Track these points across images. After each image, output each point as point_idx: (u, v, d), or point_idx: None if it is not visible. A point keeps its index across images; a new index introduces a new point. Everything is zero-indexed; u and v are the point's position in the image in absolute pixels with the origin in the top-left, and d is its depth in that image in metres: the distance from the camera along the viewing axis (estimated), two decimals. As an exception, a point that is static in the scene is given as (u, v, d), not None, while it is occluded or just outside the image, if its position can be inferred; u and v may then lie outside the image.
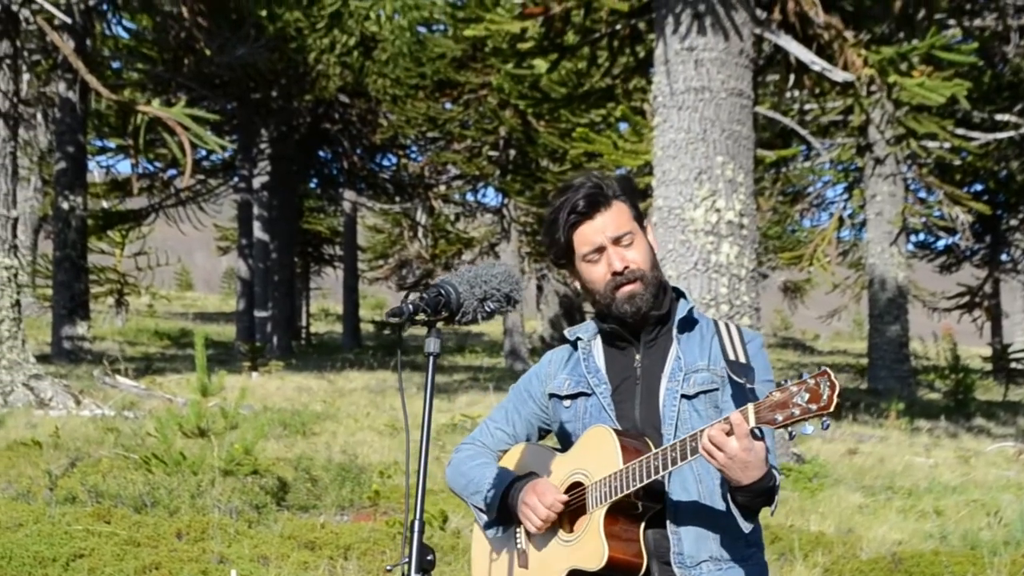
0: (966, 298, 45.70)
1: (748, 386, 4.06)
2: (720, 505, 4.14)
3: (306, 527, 10.21)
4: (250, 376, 27.65)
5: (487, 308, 3.81)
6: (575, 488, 4.20)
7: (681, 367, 4.25)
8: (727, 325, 4.35)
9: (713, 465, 3.85)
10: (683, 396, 4.22)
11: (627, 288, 4.21)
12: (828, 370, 3.74)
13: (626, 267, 4.20)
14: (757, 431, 3.83)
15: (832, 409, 3.70)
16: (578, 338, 4.46)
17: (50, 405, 19.20)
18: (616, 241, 4.22)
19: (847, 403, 25.36)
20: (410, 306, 3.69)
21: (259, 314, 41.53)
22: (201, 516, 10.24)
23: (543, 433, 4.62)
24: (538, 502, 4.13)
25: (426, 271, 49.72)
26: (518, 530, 4.33)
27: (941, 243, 44.69)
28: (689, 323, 4.36)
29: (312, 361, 35.55)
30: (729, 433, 3.80)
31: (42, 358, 26.07)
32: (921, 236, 43.79)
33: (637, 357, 4.32)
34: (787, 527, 11.48)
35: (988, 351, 46.85)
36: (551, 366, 4.53)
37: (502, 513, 4.31)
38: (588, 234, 4.23)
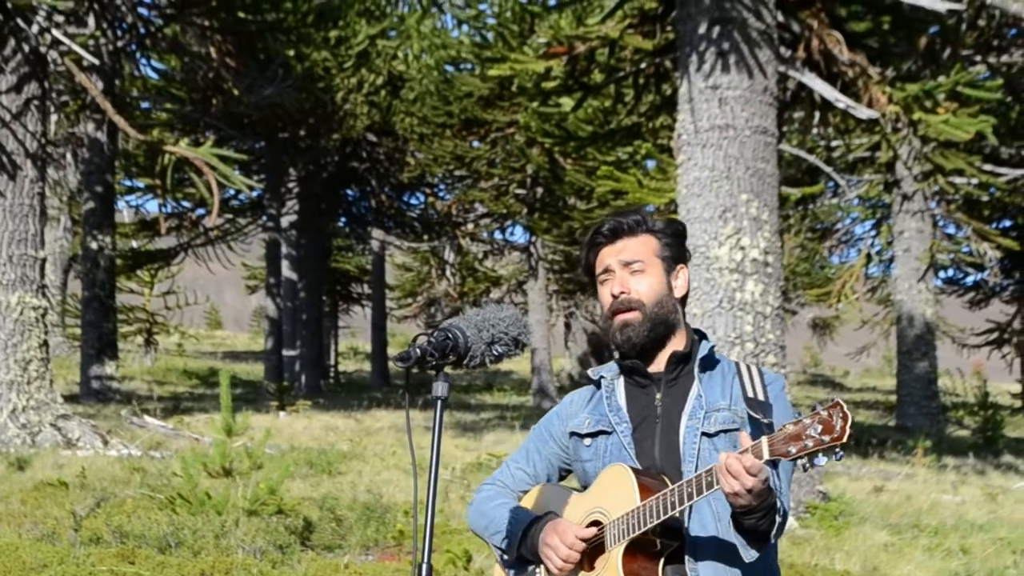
0: (995, 334, 45.52)
1: (765, 421, 4.09)
2: (734, 539, 4.15)
3: (330, 567, 10.19)
4: (278, 415, 27.66)
5: (495, 352, 3.81)
6: (594, 527, 4.19)
7: (702, 405, 4.27)
8: (748, 366, 4.39)
9: (726, 489, 3.83)
10: (704, 434, 4.23)
11: (622, 316, 4.30)
12: (840, 401, 3.74)
13: (623, 292, 4.29)
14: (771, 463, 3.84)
15: (845, 440, 3.71)
16: (601, 376, 4.50)
17: (77, 445, 19.22)
18: (626, 265, 4.32)
19: (874, 441, 25.27)
20: (418, 350, 3.70)
21: (288, 353, 41.59)
22: (225, 556, 10.23)
23: (564, 473, 4.64)
24: (559, 542, 4.14)
25: (454, 309, 49.79)
26: (537, 570, 4.33)
27: (970, 279, 44.53)
28: (710, 363, 4.40)
29: (340, 400, 35.53)
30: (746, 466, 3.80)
31: (71, 398, 26.14)
32: (950, 272, 43.64)
33: (658, 396, 4.34)
34: (812, 566, 11.43)
35: (1017, 387, 46.74)
36: (572, 406, 4.57)
37: (522, 553, 4.31)
38: (604, 256, 4.38)
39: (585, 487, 4.43)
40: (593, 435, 4.40)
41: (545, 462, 4.60)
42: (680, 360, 4.37)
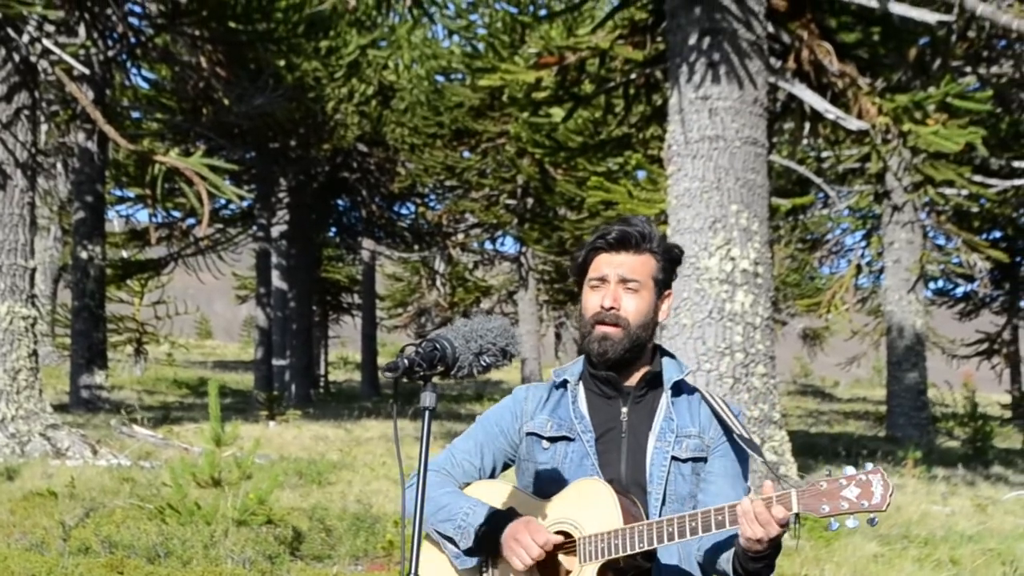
0: (985, 345, 45.57)
1: (770, 471, 4.12)
2: (696, 571, 4.21)
3: (319, 577, 10.18)
4: (268, 425, 27.60)
5: (483, 362, 3.79)
6: (561, 536, 4.15)
7: (672, 428, 4.28)
8: (713, 397, 4.40)
9: (747, 534, 3.81)
10: (674, 458, 4.24)
11: (604, 328, 4.28)
12: (881, 469, 3.73)
13: (613, 307, 4.26)
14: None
15: (884, 510, 3.71)
16: (565, 380, 4.48)
17: (67, 455, 19.17)
18: (623, 281, 4.29)
19: (864, 451, 25.25)
20: (406, 360, 3.68)
21: (277, 363, 41.49)
22: (214, 567, 10.20)
23: (504, 469, 4.62)
24: (531, 541, 4.06)
25: (445, 319, 49.71)
26: (488, 565, 4.28)
27: (959, 290, 44.61)
28: (682, 387, 4.40)
29: (330, 410, 35.42)
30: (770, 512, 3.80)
31: (60, 407, 26.06)
32: (939, 283, 43.74)
33: (624, 410, 4.34)
34: (802, 577, 11.42)
35: (1007, 398, 46.74)
36: (528, 403, 4.54)
37: (478, 544, 4.24)
38: (602, 263, 4.33)
39: (530, 487, 4.41)
40: (554, 439, 4.38)
41: (491, 456, 4.56)
42: (651, 380, 4.38)
